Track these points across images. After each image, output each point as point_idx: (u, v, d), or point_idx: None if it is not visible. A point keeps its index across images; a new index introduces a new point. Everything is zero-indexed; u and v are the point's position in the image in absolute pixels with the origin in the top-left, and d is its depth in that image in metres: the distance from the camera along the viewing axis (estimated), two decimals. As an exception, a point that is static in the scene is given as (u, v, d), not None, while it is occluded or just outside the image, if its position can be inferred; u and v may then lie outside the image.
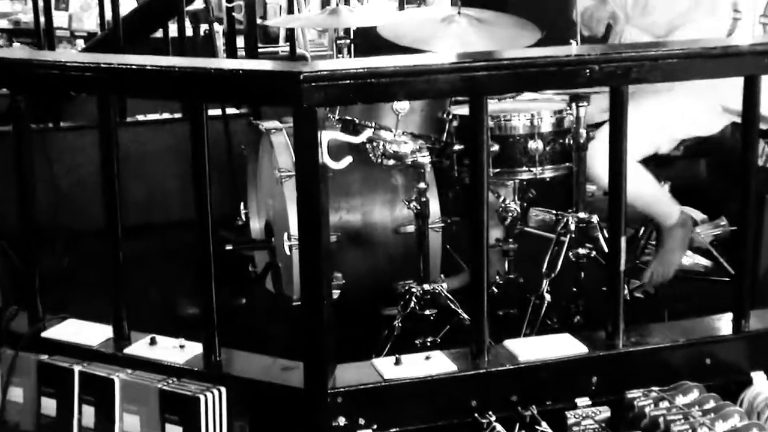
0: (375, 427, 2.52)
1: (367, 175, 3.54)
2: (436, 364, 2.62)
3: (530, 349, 2.70)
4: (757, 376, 2.74)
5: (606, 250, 3.14)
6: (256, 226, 4.05)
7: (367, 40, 4.19)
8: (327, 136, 2.45)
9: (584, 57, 2.61)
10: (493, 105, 3.51)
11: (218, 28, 5.57)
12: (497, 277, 3.59)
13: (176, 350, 2.72)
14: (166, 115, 5.23)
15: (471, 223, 2.61)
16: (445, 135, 3.35)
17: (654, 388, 2.61)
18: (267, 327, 3.64)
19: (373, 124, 3.31)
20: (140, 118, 5.20)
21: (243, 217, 4.07)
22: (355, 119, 3.34)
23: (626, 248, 2.73)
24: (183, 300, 3.70)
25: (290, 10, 5.69)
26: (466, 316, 3.26)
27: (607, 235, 3.09)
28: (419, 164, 3.31)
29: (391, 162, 3.33)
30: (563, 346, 2.72)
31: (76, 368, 2.68)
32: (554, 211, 3.66)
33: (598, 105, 3.35)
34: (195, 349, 2.71)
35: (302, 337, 2.51)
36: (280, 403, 2.59)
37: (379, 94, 2.58)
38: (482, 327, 2.64)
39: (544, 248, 3.49)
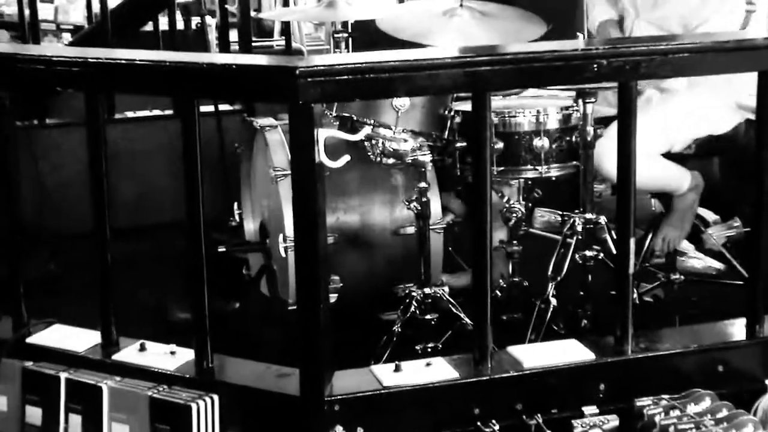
0: (373, 436, 2.53)
1: (366, 174, 3.54)
2: (438, 370, 2.62)
3: (535, 355, 2.70)
4: (771, 383, 2.75)
5: (614, 252, 3.14)
6: (250, 227, 4.05)
7: (366, 34, 4.20)
8: (324, 134, 2.45)
9: (591, 51, 2.62)
10: (498, 101, 3.52)
11: (210, 21, 5.56)
12: (501, 280, 3.59)
13: (167, 356, 2.72)
14: (156, 112, 5.23)
15: (473, 224, 2.62)
16: (446, 132, 3.35)
17: (664, 396, 2.62)
18: (261, 332, 3.64)
19: (372, 121, 3.31)
20: (129, 114, 5.20)
21: (236, 217, 4.07)
22: (353, 116, 3.34)
23: (635, 250, 2.74)
24: (174, 304, 3.70)
25: (285, 3, 5.70)
26: (468, 321, 3.26)
27: (615, 237, 3.09)
28: (420, 163, 3.32)
29: (391, 160, 3.33)
30: (570, 352, 2.73)
31: (63, 375, 2.68)
32: (560, 212, 3.67)
33: (605, 98, 3.37)
34: (186, 355, 2.71)
35: (298, 343, 2.51)
36: (275, 411, 2.59)
37: (379, 90, 2.58)
38: (485, 332, 2.64)
39: (549, 250, 3.50)
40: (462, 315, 3.33)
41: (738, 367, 2.78)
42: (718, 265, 4.01)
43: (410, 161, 3.32)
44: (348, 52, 4.17)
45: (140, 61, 2.64)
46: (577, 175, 3.42)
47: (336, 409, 2.50)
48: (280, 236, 3.37)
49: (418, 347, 3.27)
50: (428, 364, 2.64)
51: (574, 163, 3.38)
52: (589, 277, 3.46)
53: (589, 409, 2.62)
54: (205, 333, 2.66)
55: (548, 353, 2.72)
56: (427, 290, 3.35)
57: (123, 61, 2.65)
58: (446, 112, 3.34)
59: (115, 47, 4.36)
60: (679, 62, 2.64)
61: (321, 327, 2.48)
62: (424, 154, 3.31)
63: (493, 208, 2.66)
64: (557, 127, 3.34)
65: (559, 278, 3.39)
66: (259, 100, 4.50)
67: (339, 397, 2.51)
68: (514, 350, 2.73)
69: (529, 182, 3.57)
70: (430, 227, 3.38)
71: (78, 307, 3.06)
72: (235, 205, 4.09)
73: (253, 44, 5.65)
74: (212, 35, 5.57)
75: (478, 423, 2.55)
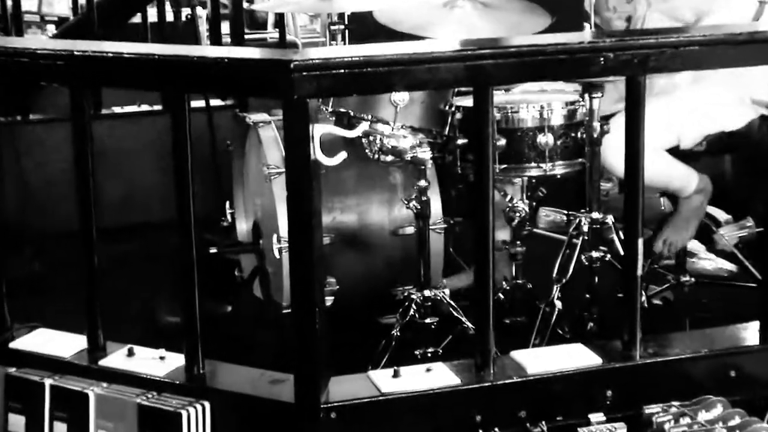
0: (371, 444, 2.54)
1: (363, 172, 3.54)
2: (438, 376, 2.62)
3: (540, 360, 2.70)
4: (786, 390, 2.75)
5: (622, 253, 3.14)
6: (243, 227, 4.05)
7: (363, 26, 4.19)
8: (320, 130, 2.45)
9: (598, 44, 2.61)
10: (500, 96, 3.52)
11: (201, 13, 5.56)
12: (504, 282, 3.59)
13: (156, 362, 2.72)
14: (144, 107, 5.23)
15: (475, 224, 2.62)
16: (447, 128, 3.36)
17: (674, 403, 2.62)
18: (254, 336, 3.64)
19: (370, 117, 3.31)
20: (117, 110, 5.21)
21: (229, 217, 4.07)
22: (350, 112, 3.35)
23: (644, 251, 2.74)
24: (163, 307, 3.71)
25: (279, -6, 5.68)
26: (470, 325, 3.26)
27: (622, 237, 3.09)
28: (419, 160, 3.31)
29: (389, 158, 3.33)
30: (575, 357, 2.73)
31: (47, 382, 2.68)
32: (565, 211, 3.67)
33: (610, 96, 3.37)
34: (176, 360, 2.71)
35: (293, 348, 2.51)
36: (269, 419, 2.59)
37: (376, 85, 2.58)
38: (487, 336, 2.65)
39: (554, 251, 3.50)
40: (463, 318, 3.33)
41: (751, 373, 2.78)
42: (730, 266, 4.02)
43: (409, 159, 3.31)
44: (344, 44, 4.17)
45: (128, 54, 2.64)
46: (583, 173, 3.42)
47: (332, 417, 2.50)
48: (274, 237, 3.37)
49: (417, 352, 3.28)
50: (428, 370, 2.64)
51: (580, 160, 3.38)
52: (596, 279, 3.47)
53: (596, 417, 2.62)
54: (195, 337, 2.67)
55: (553, 358, 2.72)
56: (426, 293, 3.35)
57: (110, 55, 2.64)
58: (447, 108, 3.34)
59: (102, 40, 4.35)
60: (689, 55, 2.64)
61: (316, 331, 2.48)
62: (424, 152, 3.30)
63: (496, 208, 2.66)
64: (562, 122, 3.34)
65: (564, 280, 3.40)
66: (252, 95, 4.51)
67: (335, 404, 2.51)
68: (518, 355, 2.73)
69: (533, 180, 3.58)
70: (430, 227, 3.38)
71: (63, 307, 3.06)
72: (227, 204, 4.09)
73: (246, 37, 5.66)
74: (203, 27, 5.57)
75: (480, 431, 2.56)
